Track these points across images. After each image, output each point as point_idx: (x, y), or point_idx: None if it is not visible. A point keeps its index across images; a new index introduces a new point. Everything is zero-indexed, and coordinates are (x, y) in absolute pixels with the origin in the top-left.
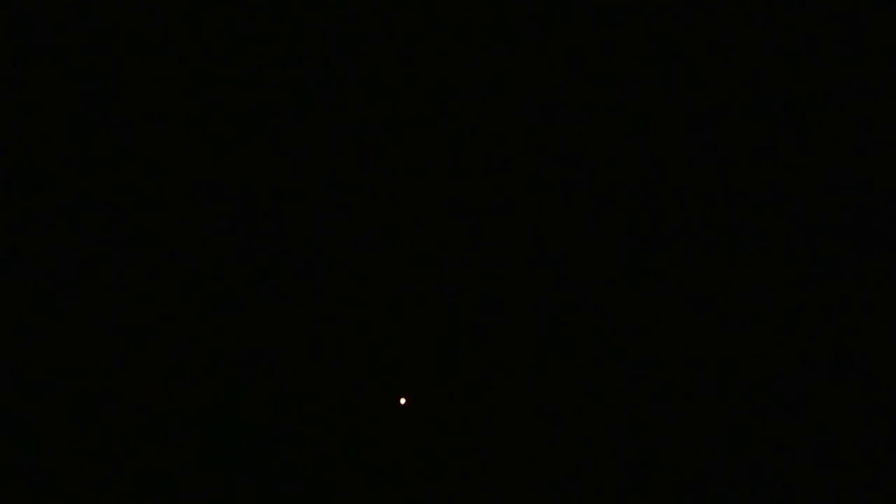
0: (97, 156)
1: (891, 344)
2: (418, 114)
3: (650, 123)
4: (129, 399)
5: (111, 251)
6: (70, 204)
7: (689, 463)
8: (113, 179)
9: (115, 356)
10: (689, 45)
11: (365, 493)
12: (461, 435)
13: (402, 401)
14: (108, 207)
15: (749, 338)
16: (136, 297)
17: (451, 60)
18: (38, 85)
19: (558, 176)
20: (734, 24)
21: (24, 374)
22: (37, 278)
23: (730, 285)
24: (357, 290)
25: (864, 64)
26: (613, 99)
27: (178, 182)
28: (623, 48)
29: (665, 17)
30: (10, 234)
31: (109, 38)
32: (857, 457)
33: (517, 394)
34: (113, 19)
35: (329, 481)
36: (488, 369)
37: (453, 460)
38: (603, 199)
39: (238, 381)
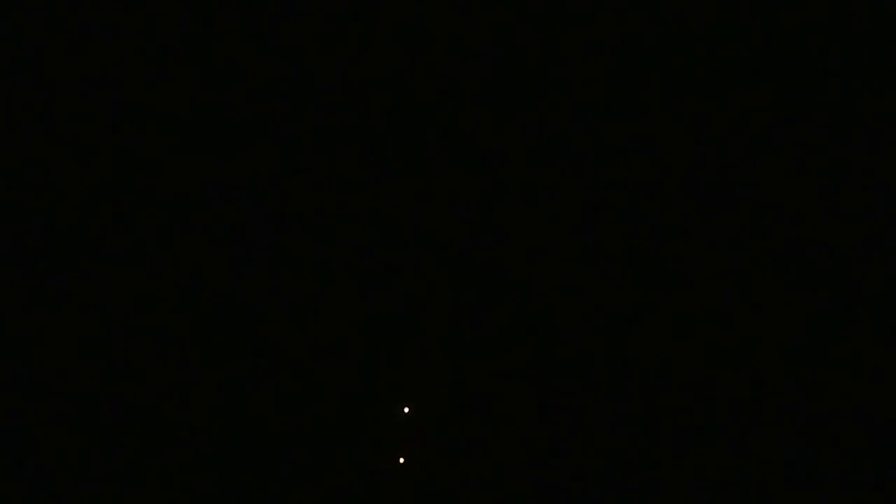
0: (96, 157)
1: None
2: (417, 114)
3: (650, 123)
4: (128, 399)
5: (110, 251)
6: (70, 203)
7: (689, 463)
8: (110, 180)
9: (114, 356)
10: (688, 44)
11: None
12: (464, 440)
13: (406, 409)
14: (106, 206)
15: (749, 337)
16: (135, 297)
17: (450, 60)
18: (38, 85)
19: (558, 176)
20: (732, 23)
21: (24, 374)
22: (37, 279)
23: (729, 286)
24: (357, 292)
25: (864, 64)
26: (613, 99)
27: (177, 182)
28: (622, 48)
29: (665, 18)
30: (10, 234)
31: (110, 39)
32: (856, 457)
33: (518, 395)
34: (113, 20)
35: (329, 484)
36: (490, 370)
37: (455, 463)
38: (602, 199)
39: (238, 384)
